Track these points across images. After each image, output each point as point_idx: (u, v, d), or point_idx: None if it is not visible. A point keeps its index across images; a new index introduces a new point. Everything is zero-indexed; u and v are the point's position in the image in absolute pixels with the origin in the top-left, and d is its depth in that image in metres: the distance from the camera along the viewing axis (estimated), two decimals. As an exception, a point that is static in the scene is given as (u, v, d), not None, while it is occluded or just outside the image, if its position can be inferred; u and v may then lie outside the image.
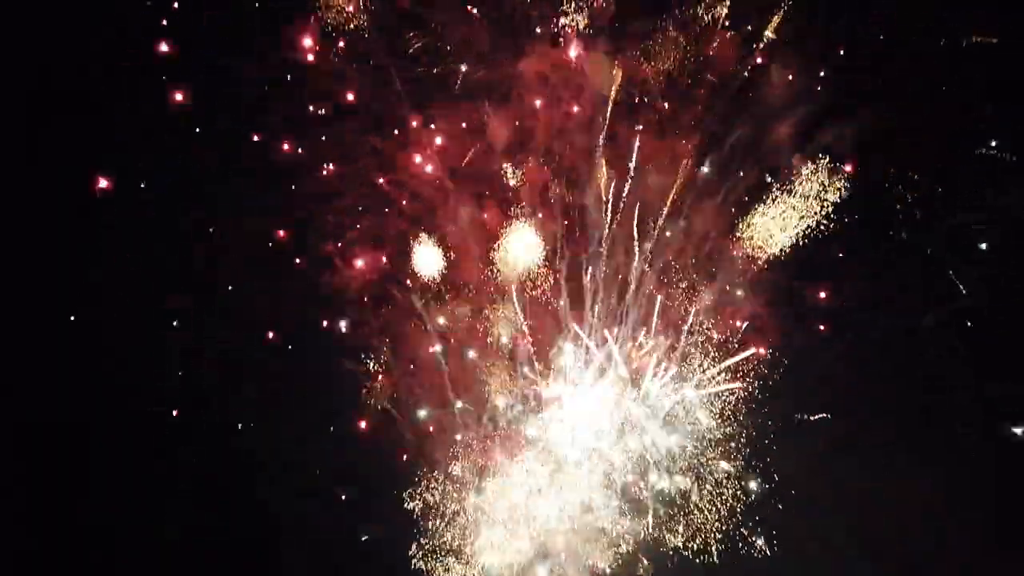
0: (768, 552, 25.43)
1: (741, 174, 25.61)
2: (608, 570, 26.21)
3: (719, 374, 25.93)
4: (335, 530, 27.15)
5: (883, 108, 23.89)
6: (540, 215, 26.78)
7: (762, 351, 25.66)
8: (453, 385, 27.45)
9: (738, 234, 25.69)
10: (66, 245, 24.43)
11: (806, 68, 24.74)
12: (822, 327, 25.99)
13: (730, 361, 25.84)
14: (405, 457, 27.27)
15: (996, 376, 24.57)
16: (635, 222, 26.24)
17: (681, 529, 25.75)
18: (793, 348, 25.61)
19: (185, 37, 25.31)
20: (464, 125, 26.65)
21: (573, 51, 25.83)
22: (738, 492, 25.64)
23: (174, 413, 26.00)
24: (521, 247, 26.40)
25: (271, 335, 27.16)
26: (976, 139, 24.37)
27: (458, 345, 27.58)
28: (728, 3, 24.66)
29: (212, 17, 25.27)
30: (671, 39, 25.15)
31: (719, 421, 25.80)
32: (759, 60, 24.90)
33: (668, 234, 26.35)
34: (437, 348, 27.49)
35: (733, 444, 25.71)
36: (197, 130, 25.64)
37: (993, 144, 24.37)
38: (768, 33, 24.61)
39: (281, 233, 27.17)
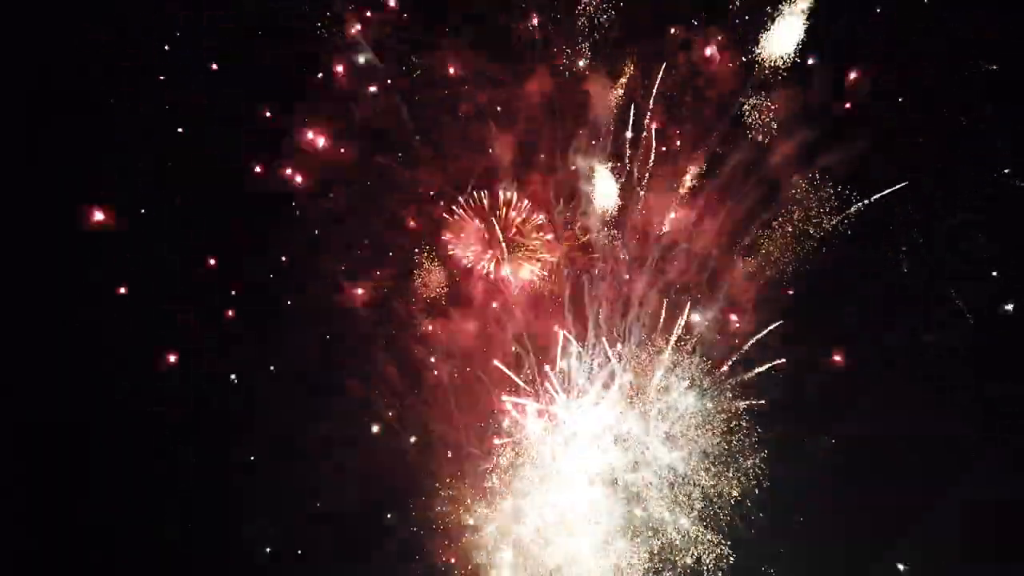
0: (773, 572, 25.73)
1: (743, 192, 25.99)
2: None
3: (722, 391, 26.05)
4: (335, 535, 27.22)
5: (883, 108, 24.00)
6: (543, 232, 27.57)
7: (764, 367, 25.83)
8: (457, 400, 27.72)
9: (740, 252, 26.09)
10: (66, 245, 24.47)
11: (806, 86, 24.99)
12: (825, 343, 26.26)
13: (734, 378, 26.03)
14: (408, 471, 27.55)
15: (996, 376, 24.64)
16: (638, 240, 26.87)
17: (681, 544, 25.77)
18: (795, 363, 25.73)
19: (192, 55, 25.83)
20: (468, 145, 27.42)
21: (577, 73, 26.50)
22: (740, 509, 25.66)
23: (174, 413, 26.06)
24: (525, 264, 27.32)
25: (272, 337, 27.33)
26: (976, 139, 24.44)
27: (462, 361, 27.91)
28: (729, 24, 25.19)
29: (220, 34, 25.91)
30: (673, 61, 25.83)
31: (721, 437, 25.85)
32: (761, 78, 25.16)
33: (671, 252, 26.92)
34: (441, 364, 27.85)
35: (735, 460, 25.71)
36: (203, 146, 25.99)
37: (993, 144, 24.44)
38: (770, 50, 24.78)
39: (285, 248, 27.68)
